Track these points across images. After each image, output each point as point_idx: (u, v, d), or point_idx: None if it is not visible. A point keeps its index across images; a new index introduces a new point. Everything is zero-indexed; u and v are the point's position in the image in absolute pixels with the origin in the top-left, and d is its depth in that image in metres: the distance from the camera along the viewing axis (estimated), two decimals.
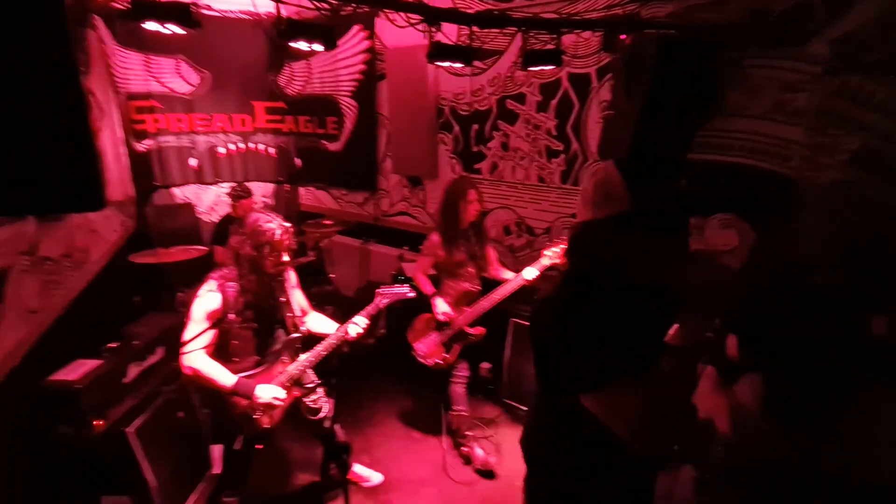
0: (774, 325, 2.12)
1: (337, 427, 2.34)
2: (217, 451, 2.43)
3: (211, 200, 4.62)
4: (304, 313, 2.33)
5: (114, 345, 2.40)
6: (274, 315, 2.13)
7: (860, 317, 1.87)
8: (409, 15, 2.10)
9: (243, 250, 1.98)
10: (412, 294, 2.40)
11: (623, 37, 2.32)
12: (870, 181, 2.32)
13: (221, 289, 1.98)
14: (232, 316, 1.84)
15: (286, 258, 2.05)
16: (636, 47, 2.31)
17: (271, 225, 1.99)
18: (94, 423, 2.10)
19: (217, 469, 2.47)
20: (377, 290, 2.35)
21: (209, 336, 1.96)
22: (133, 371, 2.40)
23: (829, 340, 1.94)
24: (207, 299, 1.96)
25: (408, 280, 2.47)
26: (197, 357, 1.95)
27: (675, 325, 1.26)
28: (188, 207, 4.26)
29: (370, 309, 2.28)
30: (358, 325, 2.20)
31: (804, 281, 2.00)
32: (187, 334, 1.92)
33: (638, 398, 1.16)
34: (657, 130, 2.29)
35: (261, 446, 2.10)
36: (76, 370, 2.15)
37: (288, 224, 2.06)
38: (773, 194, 2.57)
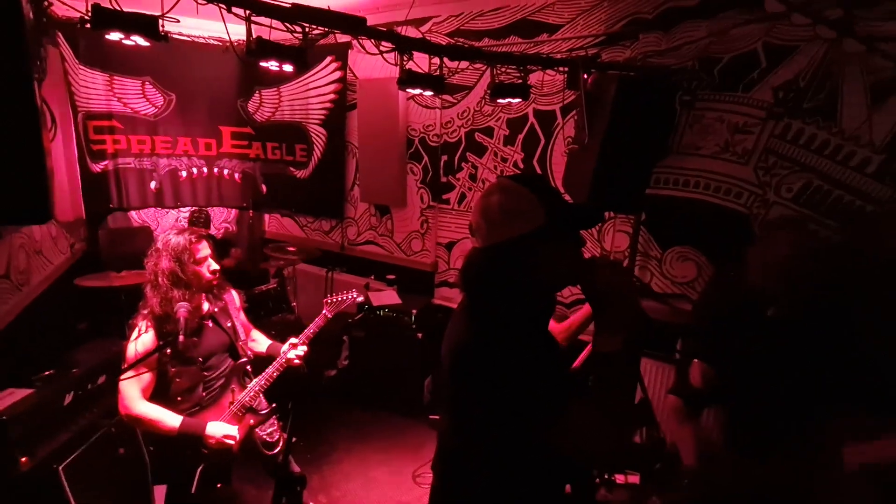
0: (733, 356, 2.18)
1: (290, 460, 2.21)
2: (161, 492, 2.23)
3: (170, 224, 4.46)
4: (248, 332, 2.23)
5: (48, 373, 2.21)
6: (216, 345, 2.02)
7: (815, 347, 1.95)
8: (381, 44, 2.14)
9: (163, 265, 1.84)
10: (360, 298, 2.32)
11: (585, 76, 2.44)
12: (811, 218, 2.48)
13: (153, 324, 1.84)
14: (181, 339, 1.72)
15: (215, 266, 1.95)
16: (598, 86, 2.43)
17: (183, 234, 1.90)
18: (21, 459, 1.90)
19: None
20: (324, 300, 2.28)
21: (145, 379, 1.82)
22: (70, 401, 2.20)
23: (786, 371, 2.01)
24: (140, 340, 1.83)
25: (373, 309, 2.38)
26: (135, 403, 1.81)
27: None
28: (146, 231, 4.10)
29: (318, 321, 2.22)
30: (297, 346, 2.11)
31: (760, 313, 2.08)
32: (124, 379, 1.78)
33: (588, 416, 1.10)
34: (617, 165, 2.39)
35: (220, 486, 1.94)
36: (3, 400, 1.95)
37: (201, 232, 1.97)
38: (727, 229, 2.71)
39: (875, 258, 2.25)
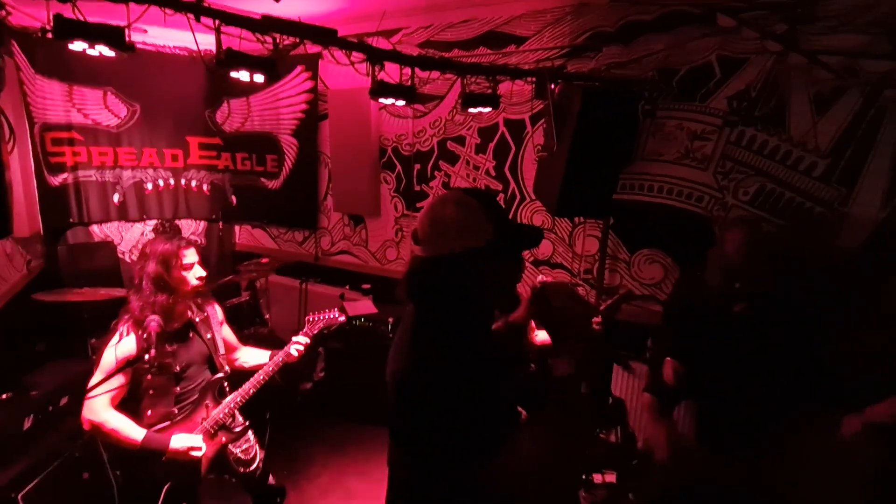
0: (701, 354, 2.27)
1: (269, 474, 2.16)
2: None
3: (135, 239, 4.31)
4: (234, 349, 2.19)
5: (6, 396, 2.11)
6: (199, 355, 1.98)
7: (779, 342, 2.05)
8: (353, 55, 2.16)
9: (149, 269, 1.82)
10: (342, 318, 2.30)
11: (552, 86, 2.52)
12: (766, 219, 2.62)
13: (134, 330, 1.80)
14: (152, 353, 1.68)
15: (201, 272, 1.93)
16: (564, 96, 2.52)
17: (172, 240, 1.89)
18: None
19: None
20: (306, 318, 2.25)
21: (116, 385, 1.77)
22: (29, 426, 2.10)
23: (753, 366, 2.10)
24: (120, 345, 1.78)
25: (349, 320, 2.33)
26: (100, 409, 1.75)
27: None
28: (108, 246, 3.95)
29: (301, 337, 2.17)
30: (299, 343, 2.09)
31: (724, 310, 2.18)
32: (92, 383, 1.72)
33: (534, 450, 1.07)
34: (585, 171, 2.47)
35: None
36: None
37: (190, 239, 1.97)
38: (690, 231, 2.82)
39: (821, 257, 2.40)
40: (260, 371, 2.03)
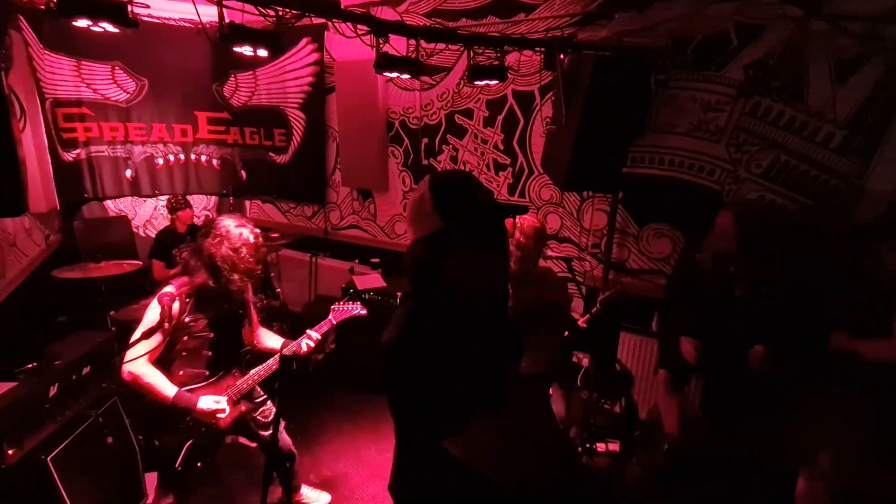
0: (702, 332, 2.28)
1: (280, 437, 2.26)
2: (151, 479, 2.27)
3: (148, 213, 4.39)
4: (257, 327, 2.27)
5: (31, 365, 2.20)
6: (232, 327, 2.07)
7: (779, 326, 2.05)
8: (358, 27, 2.13)
9: (220, 252, 1.90)
10: (364, 312, 2.38)
11: (562, 56, 2.46)
12: (779, 192, 2.56)
13: (179, 296, 1.88)
14: (188, 318, 1.78)
15: (258, 263, 2.02)
16: (574, 67, 2.46)
17: (246, 228, 1.97)
18: (8, 451, 1.90)
19: (151, 498, 2.30)
20: (331, 307, 2.35)
21: (155, 343, 1.86)
22: (55, 393, 2.20)
23: (752, 344, 2.11)
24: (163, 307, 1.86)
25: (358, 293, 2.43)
26: (140, 363, 1.85)
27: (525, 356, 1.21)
28: (122, 220, 4.02)
29: (323, 325, 2.26)
30: (310, 339, 2.17)
31: (723, 294, 2.17)
32: (134, 338, 1.82)
33: (496, 433, 1.12)
34: (594, 144, 2.43)
35: (200, 464, 1.99)
36: None
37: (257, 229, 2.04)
38: (700, 205, 2.78)
39: (835, 232, 2.35)
40: (272, 359, 2.12)
